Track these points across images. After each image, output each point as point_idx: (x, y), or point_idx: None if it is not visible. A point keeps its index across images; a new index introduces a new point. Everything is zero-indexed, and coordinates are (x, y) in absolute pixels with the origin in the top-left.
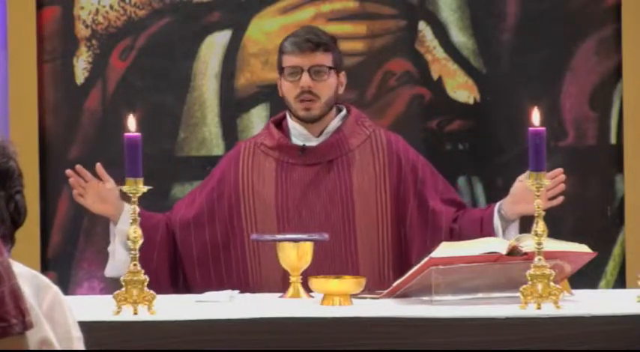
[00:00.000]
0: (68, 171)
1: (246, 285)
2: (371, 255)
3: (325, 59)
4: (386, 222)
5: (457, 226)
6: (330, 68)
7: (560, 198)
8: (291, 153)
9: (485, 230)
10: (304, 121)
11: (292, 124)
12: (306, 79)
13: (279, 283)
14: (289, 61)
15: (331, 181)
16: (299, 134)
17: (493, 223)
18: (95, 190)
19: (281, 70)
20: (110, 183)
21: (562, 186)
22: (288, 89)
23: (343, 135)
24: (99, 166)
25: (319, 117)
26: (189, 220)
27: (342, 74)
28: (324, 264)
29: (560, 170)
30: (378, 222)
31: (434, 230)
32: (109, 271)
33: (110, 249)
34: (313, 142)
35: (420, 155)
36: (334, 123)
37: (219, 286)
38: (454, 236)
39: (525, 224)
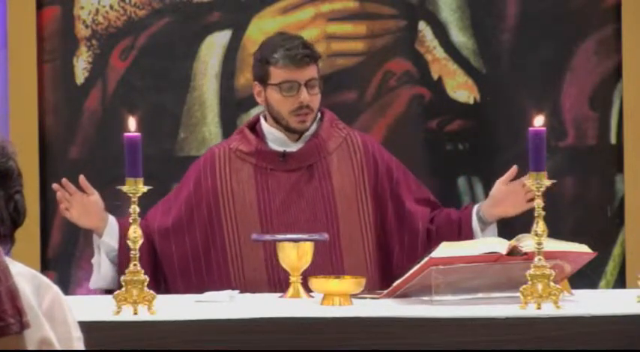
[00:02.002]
0: (55, 186)
1: (228, 288)
2: (356, 257)
3: (315, 71)
4: (368, 223)
5: (434, 227)
6: (319, 80)
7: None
8: (269, 158)
9: (463, 231)
10: (296, 133)
11: (268, 129)
12: (305, 94)
13: (265, 284)
14: (284, 75)
15: (312, 186)
16: (276, 139)
17: (472, 225)
18: (79, 203)
19: (264, 80)
20: (94, 196)
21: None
22: (282, 103)
23: (321, 139)
24: (82, 179)
25: (310, 127)
26: (169, 228)
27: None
28: (312, 266)
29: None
30: (361, 225)
31: (411, 231)
32: (94, 283)
33: (94, 261)
34: (292, 147)
35: (393, 156)
36: (312, 127)
37: (201, 291)
38: (431, 237)
39: (503, 226)
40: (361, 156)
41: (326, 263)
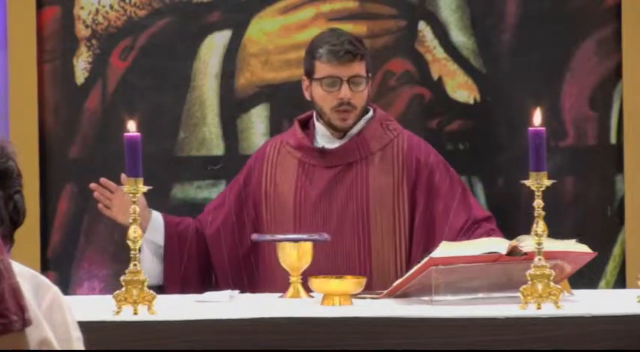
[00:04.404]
0: (92, 185)
1: (272, 284)
2: (385, 258)
3: (362, 69)
4: (403, 229)
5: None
6: (366, 78)
7: None
8: (312, 154)
9: None
10: (338, 130)
11: (317, 125)
12: (346, 91)
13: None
14: (326, 70)
15: (348, 184)
16: (322, 135)
17: None
18: (120, 200)
19: (310, 74)
20: None
21: None
22: (324, 98)
23: (364, 138)
24: (124, 177)
25: (353, 125)
26: (219, 225)
27: (370, 76)
28: (338, 265)
29: None
30: (395, 229)
31: (434, 236)
32: None
33: (140, 257)
34: (334, 144)
35: (442, 163)
36: (358, 125)
37: (251, 286)
38: None
39: (503, 226)
40: (403, 159)
41: (353, 263)
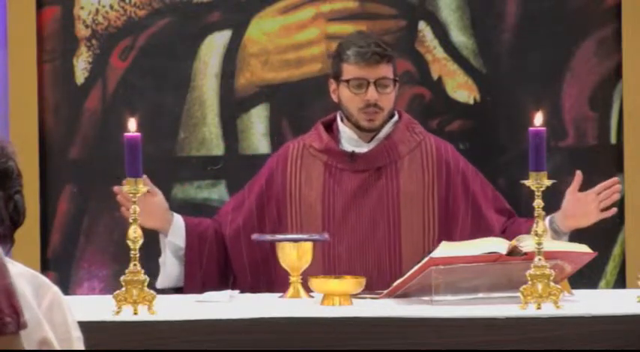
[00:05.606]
0: (116, 189)
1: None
2: (416, 261)
3: (389, 71)
4: (433, 230)
5: (506, 237)
6: (394, 80)
7: (614, 210)
8: (339, 158)
9: None
10: (365, 131)
11: (343, 128)
12: (373, 92)
13: None
14: (354, 72)
15: (379, 188)
16: (349, 139)
17: None
18: (143, 204)
19: (337, 76)
20: (158, 197)
21: (616, 197)
22: (351, 100)
23: (393, 142)
24: (145, 178)
25: (380, 127)
26: (239, 226)
27: (397, 79)
28: (368, 269)
29: (615, 179)
30: (424, 230)
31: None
32: (161, 283)
33: (161, 260)
34: (363, 148)
35: (469, 164)
36: (385, 129)
37: (269, 287)
38: None
39: (574, 235)
40: (433, 163)
41: (384, 267)
